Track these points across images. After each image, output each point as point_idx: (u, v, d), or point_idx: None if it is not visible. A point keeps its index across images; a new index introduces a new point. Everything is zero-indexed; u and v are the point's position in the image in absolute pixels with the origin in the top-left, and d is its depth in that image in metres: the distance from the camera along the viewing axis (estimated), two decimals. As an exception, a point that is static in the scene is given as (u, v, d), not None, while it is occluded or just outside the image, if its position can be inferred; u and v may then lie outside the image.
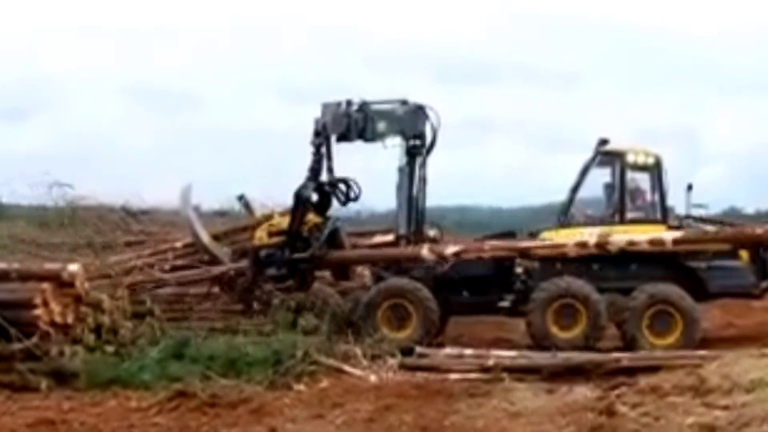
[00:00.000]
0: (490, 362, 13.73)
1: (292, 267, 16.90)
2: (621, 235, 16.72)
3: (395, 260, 17.47)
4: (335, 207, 17.67)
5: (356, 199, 17.83)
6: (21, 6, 77.85)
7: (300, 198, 16.97)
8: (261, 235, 17.22)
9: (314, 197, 17.25)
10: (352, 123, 17.37)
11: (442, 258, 16.60)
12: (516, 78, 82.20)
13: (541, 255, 16.84)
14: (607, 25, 79.59)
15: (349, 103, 17.48)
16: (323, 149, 17.28)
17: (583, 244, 16.52)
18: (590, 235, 16.94)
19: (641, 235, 16.76)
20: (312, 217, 17.11)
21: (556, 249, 16.76)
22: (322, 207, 17.46)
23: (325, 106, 17.38)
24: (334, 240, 17.25)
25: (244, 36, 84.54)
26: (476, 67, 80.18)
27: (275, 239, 17.04)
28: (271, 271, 16.86)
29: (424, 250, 16.77)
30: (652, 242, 16.47)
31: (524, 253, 16.96)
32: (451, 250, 16.74)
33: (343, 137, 17.41)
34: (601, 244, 16.51)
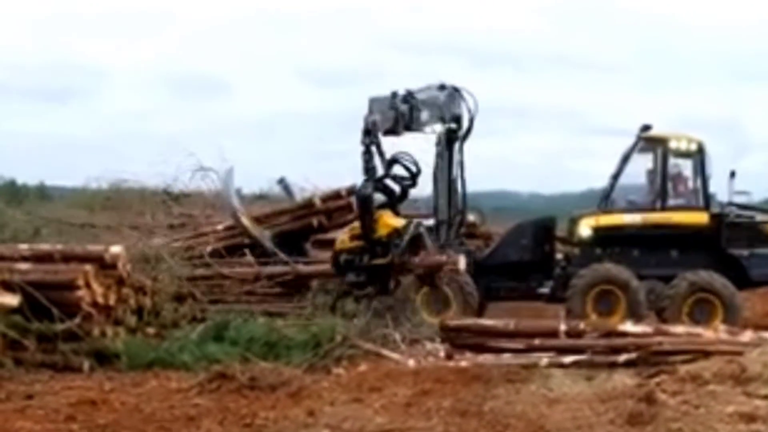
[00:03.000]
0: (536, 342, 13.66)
1: (371, 273, 16.41)
2: None
3: None
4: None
5: (419, 173, 17.27)
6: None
7: (361, 199, 15.81)
8: (343, 239, 16.47)
9: (376, 196, 15.81)
10: (399, 116, 16.68)
11: None
12: (556, 64, 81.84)
13: None
14: (648, 14, 79.01)
15: (394, 95, 16.82)
16: (374, 148, 16.73)
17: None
18: None
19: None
20: (391, 221, 16.32)
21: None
22: (394, 202, 16.94)
23: (373, 101, 15.98)
24: (417, 245, 16.55)
25: (273, 22, 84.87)
26: (514, 54, 79.96)
27: (355, 243, 16.35)
28: (351, 278, 16.12)
29: None
30: None
31: None
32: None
33: (390, 132, 16.72)
34: None
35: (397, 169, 16.62)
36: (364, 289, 15.61)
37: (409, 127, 16.52)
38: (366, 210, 15.94)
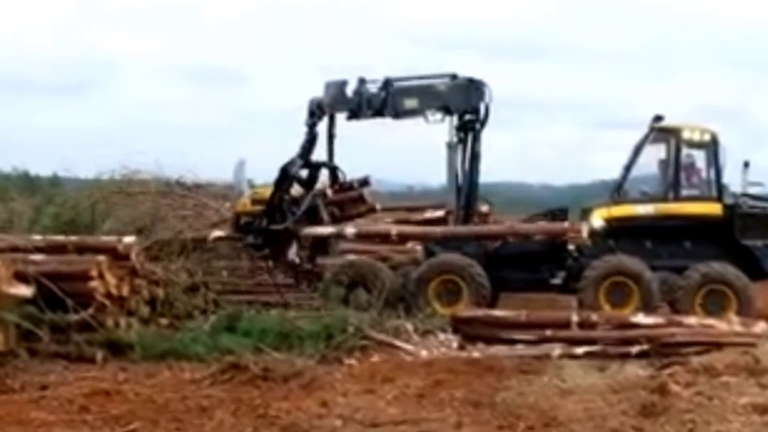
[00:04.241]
0: (548, 333, 13.65)
1: (267, 237, 17.14)
2: None
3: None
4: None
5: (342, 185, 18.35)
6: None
7: (286, 173, 17.20)
8: (245, 202, 17.60)
9: (302, 174, 17.55)
10: (363, 101, 17.14)
11: None
12: (567, 57, 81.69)
13: None
14: (663, 5, 78.79)
15: (362, 81, 17.29)
16: (317, 129, 17.42)
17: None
18: None
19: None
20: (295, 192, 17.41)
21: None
22: (309, 184, 17.73)
23: (328, 85, 17.31)
24: (313, 215, 17.30)
25: (288, 14, 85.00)
26: (527, 46, 79.89)
27: (256, 207, 17.36)
28: (249, 239, 17.20)
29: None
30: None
31: None
32: None
33: (353, 116, 17.29)
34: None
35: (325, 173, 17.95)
36: (261, 251, 17.05)
37: (380, 113, 17.03)
38: (282, 182, 17.15)
